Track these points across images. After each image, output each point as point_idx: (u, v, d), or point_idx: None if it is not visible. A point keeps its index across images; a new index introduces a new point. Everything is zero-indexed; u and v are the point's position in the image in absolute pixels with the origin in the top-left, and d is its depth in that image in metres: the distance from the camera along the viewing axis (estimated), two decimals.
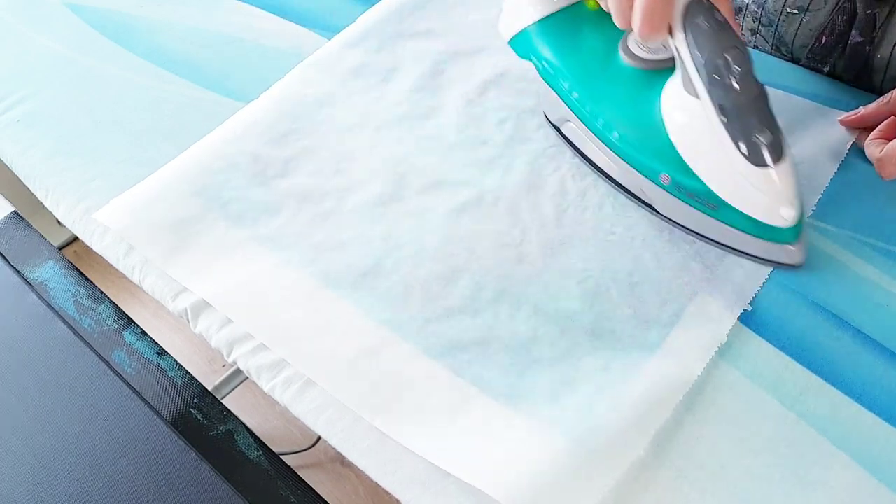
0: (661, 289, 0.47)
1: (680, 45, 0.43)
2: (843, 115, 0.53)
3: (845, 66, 0.57)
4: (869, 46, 0.55)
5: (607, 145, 0.49)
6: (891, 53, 0.54)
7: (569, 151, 0.54)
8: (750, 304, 0.45)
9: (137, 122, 0.60)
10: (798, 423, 0.41)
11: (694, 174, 0.45)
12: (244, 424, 0.53)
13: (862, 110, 0.52)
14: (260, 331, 0.46)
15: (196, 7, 0.70)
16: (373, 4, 0.67)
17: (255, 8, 0.69)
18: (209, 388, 0.55)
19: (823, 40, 0.56)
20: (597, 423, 0.41)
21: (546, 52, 0.52)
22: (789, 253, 0.45)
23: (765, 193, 0.43)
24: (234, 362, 0.47)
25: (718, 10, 0.42)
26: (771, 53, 0.62)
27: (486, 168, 0.54)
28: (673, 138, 0.45)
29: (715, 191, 0.44)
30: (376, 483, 0.41)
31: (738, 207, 0.44)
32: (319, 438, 0.44)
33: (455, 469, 0.40)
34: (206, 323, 0.48)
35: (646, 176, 0.48)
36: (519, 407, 0.42)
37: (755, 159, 0.42)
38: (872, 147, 0.48)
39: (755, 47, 0.63)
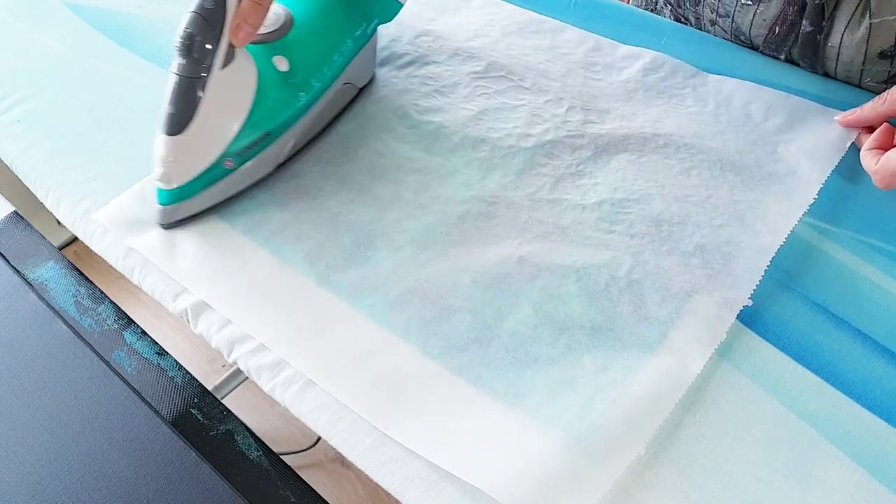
0: (660, 286, 0.47)
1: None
2: (840, 115, 0.53)
3: (800, 55, 0.58)
4: (819, 35, 0.56)
5: None
6: (840, 41, 0.55)
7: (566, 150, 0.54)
8: (750, 298, 0.45)
9: (138, 121, 0.60)
10: (798, 423, 0.41)
11: None
12: (244, 424, 0.53)
13: (858, 110, 0.52)
14: (260, 331, 0.46)
15: None
16: None
17: None
18: (209, 388, 0.55)
19: (777, 30, 0.57)
20: (597, 422, 0.41)
21: None
22: (156, 211, 0.51)
23: (156, 153, 0.49)
24: (235, 362, 0.47)
25: (224, 4, 0.45)
26: (731, 41, 0.62)
27: (486, 167, 0.54)
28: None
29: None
30: (376, 483, 0.41)
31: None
32: (319, 438, 0.44)
33: (455, 469, 0.40)
34: (206, 323, 0.48)
35: None
36: (518, 406, 0.42)
37: (161, 123, 0.48)
38: (868, 158, 0.48)
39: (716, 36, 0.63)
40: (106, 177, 0.56)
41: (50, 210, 0.56)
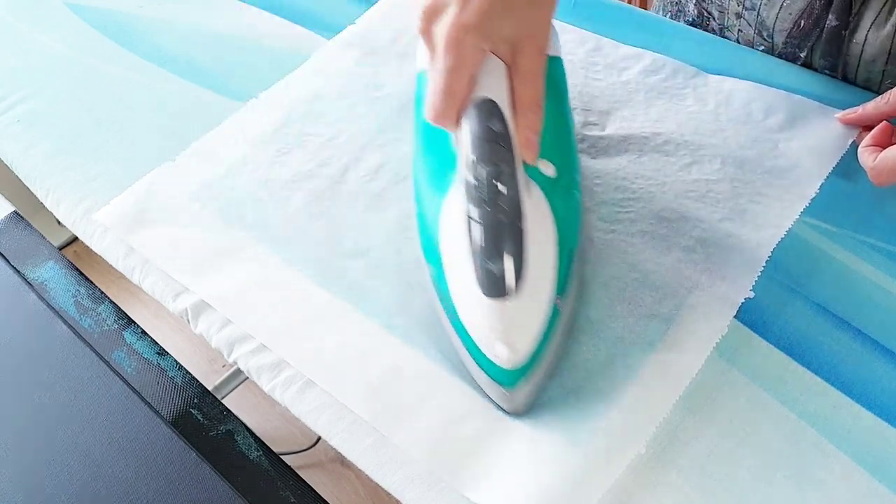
0: (661, 283, 0.46)
1: (459, 141, 0.41)
2: (842, 113, 0.53)
3: (822, 52, 0.58)
4: (845, 31, 0.55)
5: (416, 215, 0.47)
6: (865, 38, 0.55)
7: None
8: (751, 290, 0.45)
9: (138, 121, 0.60)
10: (798, 423, 0.41)
11: (443, 275, 0.42)
12: (244, 424, 0.53)
13: (860, 109, 0.52)
14: (260, 332, 0.46)
15: (196, 7, 0.70)
16: (373, 4, 0.67)
17: (255, 8, 0.69)
18: (209, 388, 0.55)
19: (802, 24, 0.57)
20: (597, 422, 0.41)
21: (417, 101, 0.50)
22: (503, 397, 0.40)
23: (484, 323, 0.39)
24: (235, 362, 0.47)
25: (502, 117, 0.40)
26: (753, 39, 0.62)
27: None
28: (441, 232, 0.43)
29: (453, 300, 0.41)
30: (376, 483, 0.41)
31: (466, 326, 0.40)
32: (319, 438, 0.44)
33: (452, 479, 0.40)
34: (206, 323, 0.48)
35: (425, 256, 0.45)
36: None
37: (483, 286, 0.39)
38: (865, 155, 0.48)
39: (739, 31, 0.63)
40: (106, 177, 0.56)
41: (50, 210, 0.56)
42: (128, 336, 0.58)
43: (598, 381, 0.43)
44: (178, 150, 0.56)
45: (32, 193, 0.58)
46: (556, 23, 0.65)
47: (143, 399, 0.53)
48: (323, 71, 0.62)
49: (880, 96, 0.51)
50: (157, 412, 0.52)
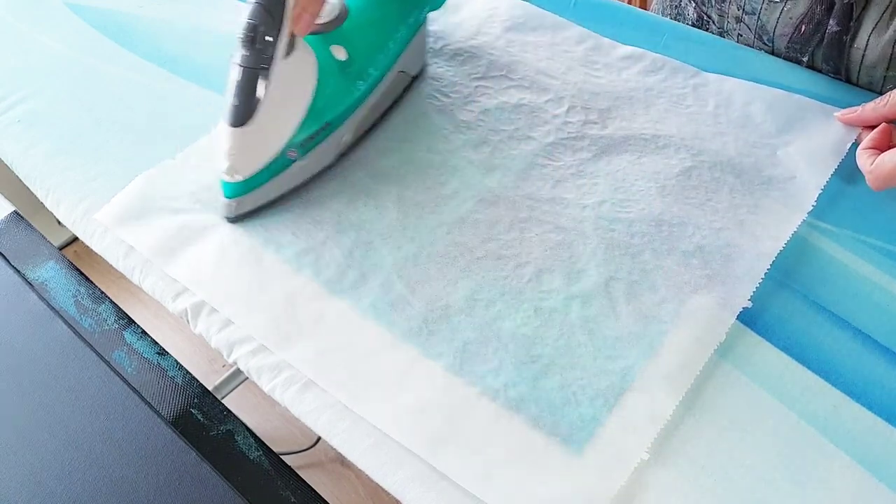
0: (660, 287, 0.47)
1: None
2: (840, 112, 0.53)
3: (823, 57, 0.58)
4: (846, 36, 0.55)
5: None
6: (866, 43, 0.55)
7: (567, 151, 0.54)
8: (749, 299, 0.45)
9: (138, 121, 0.60)
10: (798, 423, 0.41)
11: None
12: (244, 424, 0.53)
13: (859, 109, 0.52)
14: (260, 332, 0.46)
15: (196, 7, 0.70)
16: None
17: None
18: (209, 388, 0.55)
19: (803, 29, 0.57)
20: (597, 429, 0.41)
21: None
22: (221, 204, 0.51)
23: (220, 146, 0.48)
24: (235, 363, 0.47)
25: None
26: (752, 43, 0.62)
27: (486, 168, 0.54)
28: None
29: (218, 128, 0.49)
30: (376, 483, 0.41)
31: (216, 150, 0.49)
32: (320, 438, 0.44)
33: (455, 475, 0.40)
34: (206, 323, 0.48)
35: None
36: (519, 410, 0.42)
37: (225, 114, 0.47)
38: (863, 158, 0.48)
39: (739, 35, 0.63)
40: (106, 177, 0.56)
41: (50, 210, 0.56)
42: (128, 336, 0.58)
43: (598, 382, 0.43)
44: (178, 150, 0.56)
45: (32, 193, 0.58)
46: (555, 19, 0.65)
47: (143, 399, 0.53)
48: None
49: (880, 98, 0.51)
50: (157, 412, 0.52)
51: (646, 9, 0.73)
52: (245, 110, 0.47)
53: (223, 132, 0.48)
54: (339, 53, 0.51)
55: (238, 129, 0.47)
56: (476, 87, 0.60)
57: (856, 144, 0.52)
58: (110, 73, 0.64)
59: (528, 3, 0.67)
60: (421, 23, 0.58)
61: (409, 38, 0.56)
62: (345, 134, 0.54)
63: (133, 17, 0.69)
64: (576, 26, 0.64)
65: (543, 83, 0.59)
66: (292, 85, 0.48)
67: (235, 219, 0.51)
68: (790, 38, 0.58)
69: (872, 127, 0.51)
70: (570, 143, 0.55)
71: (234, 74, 0.47)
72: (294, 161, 0.51)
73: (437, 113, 0.58)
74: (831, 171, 0.51)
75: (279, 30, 0.46)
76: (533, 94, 0.59)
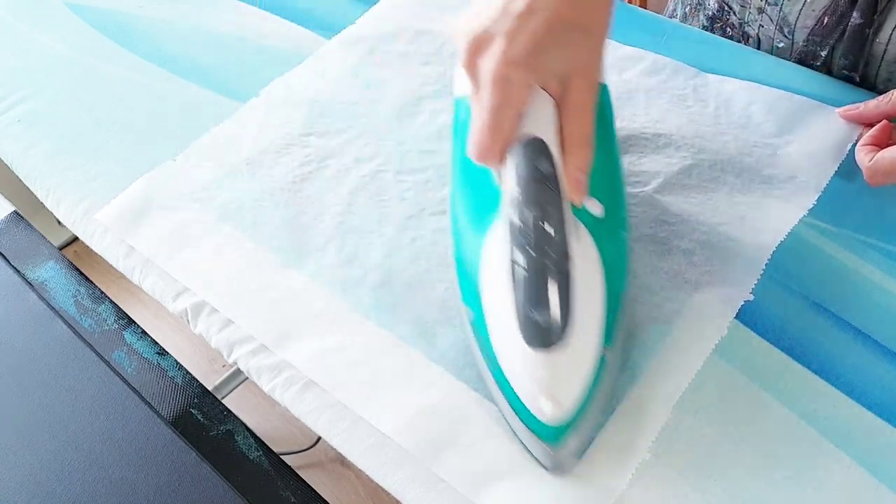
0: (661, 286, 0.46)
1: (504, 181, 0.38)
2: (842, 109, 0.53)
3: (844, 50, 0.57)
4: (868, 29, 0.55)
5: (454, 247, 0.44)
6: (889, 38, 0.54)
7: None
8: (751, 292, 0.45)
9: (138, 121, 0.60)
10: (798, 423, 0.41)
11: (484, 322, 0.39)
12: (244, 424, 0.53)
13: (861, 106, 0.52)
14: (261, 332, 0.46)
15: (196, 7, 0.70)
16: (373, 4, 0.67)
17: (255, 8, 0.69)
18: (209, 388, 0.55)
19: (825, 21, 0.56)
20: (598, 430, 0.41)
21: (455, 131, 0.47)
22: (547, 455, 0.38)
23: (528, 375, 0.36)
24: (235, 363, 0.47)
25: (550, 157, 0.38)
26: (773, 35, 0.61)
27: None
28: (481, 276, 0.40)
29: (494, 349, 0.38)
30: (376, 483, 0.41)
31: (508, 378, 0.38)
32: (320, 438, 0.44)
33: (456, 480, 0.40)
34: (206, 323, 0.48)
35: (463, 298, 0.42)
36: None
37: (525, 334, 0.36)
38: (862, 154, 0.48)
39: (760, 27, 0.62)
40: (106, 177, 0.56)
41: (50, 210, 0.56)
42: (128, 336, 0.58)
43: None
44: (178, 150, 0.56)
45: (32, 193, 0.58)
46: None
47: (143, 399, 0.53)
48: (323, 71, 0.62)
49: (882, 95, 0.51)
50: (157, 412, 0.52)
51: (646, 8, 0.73)
52: (555, 324, 0.36)
53: (526, 357, 0.36)
54: (595, 208, 0.40)
55: (552, 353, 0.35)
56: None
57: (855, 145, 0.52)
58: (110, 73, 0.64)
59: None
60: (615, 137, 0.48)
61: (620, 157, 0.47)
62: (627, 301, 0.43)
63: (133, 17, 0.69)
64: None
65: None
66: (585, 270, 0.38)
67: (562, 470, 0.39)
68: (811, 30, 0.58)
69: (873, 125, 0.51)
70: None
71: (524, 280, 0.36)
72: (607, 361, 0.39)
73: (437, 113, 0.58)
74: (832, 171, 0.51)
75: (561, 210, 0.36)
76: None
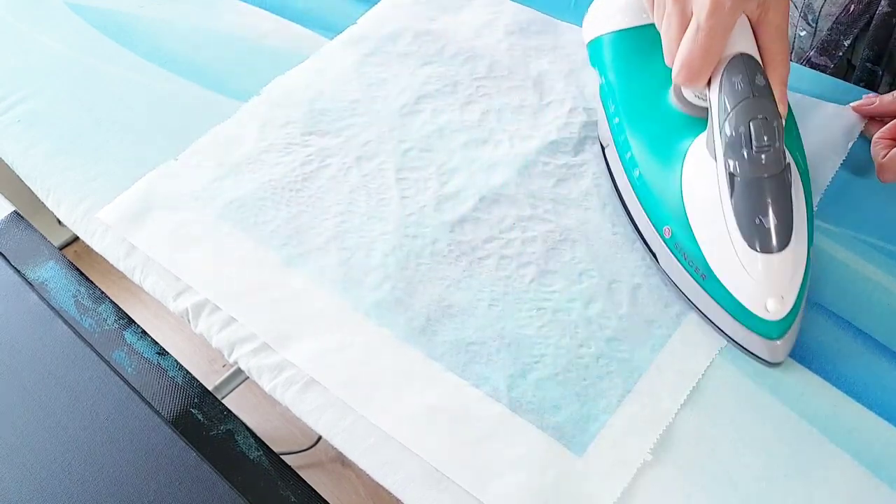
0: (664, 289, 0.46)
1: (712, 100, 0.40)
2: (857, 103, 0.53)
3: (869, 40, 0.56)
4: (895, 19, 0.54)
5: (629, 181, 0.47)
6: None
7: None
8: None
9: (138, 121, 0.60)
10: (799, 422, 0.41)
11: (693, 237, 0.42)
12: (244, 424, 0.53)
13: (877, 100, 0.51)
14: (263, 330, 0.46)
15: (196, 7, 0.70)
16: (373, 4, 0.67)
17: (255, 8, 0.69)
18: (210, 388, 0.55)
19: (851, 9, 0.55)
20: (600, 431, 0.41)
21: (609, 67, 0.50)
22: (770, 348, 0.41)
23: (754, 279, 0.40)
24: (235, 362, 0.47)
25: (762, 72, 0.40)
26: (797, 23, 0.60)
27: (488, 168, 0.54)
28: (685, 194, 0.43)
29: (707, 260, 0.41)
30: (377, 483, 0.41)
31: (725, 284, 0.41)
32: (320, 438, 0.44)
33: (458, 476, 0.40)
34: (206, 323, 0.48)
35: (653, 223, 0.46)
36: (521, 410, 0.42)
37: (752, 241, 0.39)
38: (878, 148, 0.48)
39: None
40: (106, 177, 0.56)
41: (51, 210, 0.56)
42: (128, 336, 0.58)
43: (601, 383, 0.43)
44: (178, 150, 0.56)
45: (33, 193, 0.58)
46: (558, 22, 0.65)
47: (143, 399, 0.53)
48: (324, 71, 0.62)
49: None
50: (157, 412, 0.52)
51: None
52: (786, 229, 0.39)
53: (757, 262, 0.39)
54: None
55: (783, 255, 0.39)
56: (477, 87, 0.59)
57: (858, 143, 0.52)
58: (110, 73, 0.64)
59: (529, 6, 0.67)
60: None
61: None
62: None
63: (133, 17, 0.69)
64: (578, 28, 0.64)
65: (545, 86, 0.59)
66: (795, 175, 0.42)
67: (783, 361, 0.42)
68: (836, 18, 0.56)
69: (881, 120, 0.50)
70: (572, 144, 0.55)
71: (753, 189, 0.39)
72: (811, 258, 0.42)
73: (437, 113, 0.58)
74: (833, 169, 0.51)
75: (777, 121, 0.39)
76: (535, 95, 0.59)
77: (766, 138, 0.38)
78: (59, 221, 0.56)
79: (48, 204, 0.56)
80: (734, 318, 0.41)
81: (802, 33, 0.60)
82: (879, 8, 0.54)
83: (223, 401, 0.55)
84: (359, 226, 0.51)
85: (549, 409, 0.42)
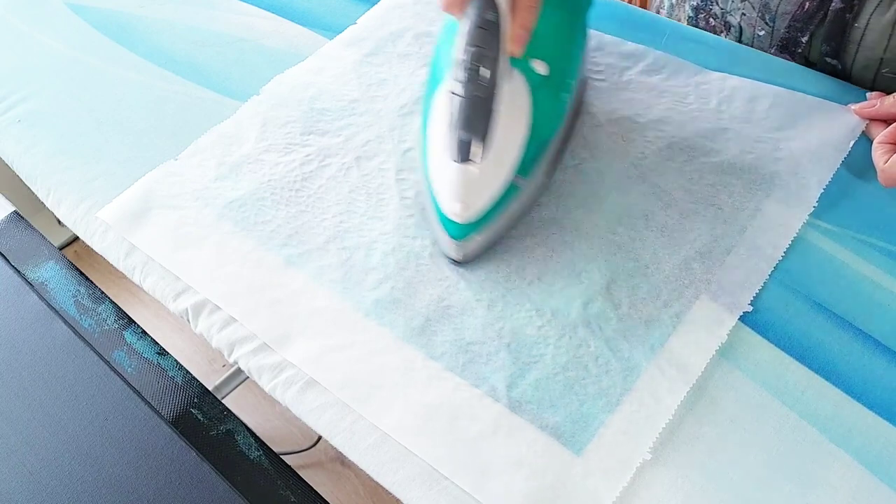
0: (663, 290, 0.46)
1: (458, 30, 0.45)
2: (858, 106, 0.53)
3: (825, 36, 0.57)
4: (849, 14, 0.55)
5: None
6: (867, 23, 0.54)
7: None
8: (750, 304, 0.45)
9: (139, 121, 0.60)
10: (799, 422, 0.41)
11: (425, 149, 0.49)
12: (244, 424, 0.53)
13: (878, 102, 0.51)
14: (262, 330, 0.46)
15: (196, 7, 0.70)
16: (373, 4, 0.67)
17: (255, 8, 0.69)
18: (210, 388, 0.55)
19: (806, 6, 0.56)
20: (599, 430, 0.41)
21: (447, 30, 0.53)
22: (451, 246, 0.47)
23: (446, 183, 0.46)
24: (235, 362, 0.47)
25: (495, 10, 0.44)
26: (755, 24, 0.61)
27: None
28: (430, 113, 0.49)
29: (428, 167, 0.48)
30: (376, 483, 0.41)
31: (433, 188, 0.47)
32: (320, 438, 0.44)
33: (457, 476, 0.40)
34: (206, 323, 0.48)
35: (421, 140, 0.51)
36: (521, 410, 0.42)
37: (452, 151, 0.45)
38: (879, 153, 0.48)
39: (742, 14, 0.62)
40: (106, 177, 0.56)
41: (51, 209, 0.56)
42: (128, 336, 0.58)
43: (601, 385, 0.43)
44: (178, 150, 0.56)
45: (33, 193, 0.58)
46: None
47: (143, 399, 0.53)
48: (324, 70, 0.62)
49: None
50: (157, 412, 0.52)
51: (646, 8, 0.72)
52: (476, 144, 0.44)
53: (450, 169, 0.45)
54: (541, 68, 0.49)
55: (470, 166, 0.44)
56: None
57: (859, 143, 0.52)
58: (110, 73, 0.64)
59: None
60: (587, 25, 0.56)
61: (584, 42, 0.55)
62: (556, 149, 0.52)
63: (133, 17, 0.69)
64: None
65: None
66: (513, 110, 0.46)
67: (464, 261, 0.48)
68: (792, 15, 0.58)
69: (884, 122, 0.50)
70: (572, 143, 0.55)
71: (458, 105, 0.44)
72: (519, 188, 0.48)
73: None
74: (834, 169, 0.51)
75: (497, 54, 0.44)
76: None
77: (478, 65, 0.43)
78: (59, 221, 0.56)
79: (48, 204, 0.56)
80: (437, 218, 0.47)
81: (761, 33, 0.61)
82: (832, 4, 0.55)
83: (223, 401, 0.55)
84: (358, 226, 0.51)
85: (548, 408, 0.42)
